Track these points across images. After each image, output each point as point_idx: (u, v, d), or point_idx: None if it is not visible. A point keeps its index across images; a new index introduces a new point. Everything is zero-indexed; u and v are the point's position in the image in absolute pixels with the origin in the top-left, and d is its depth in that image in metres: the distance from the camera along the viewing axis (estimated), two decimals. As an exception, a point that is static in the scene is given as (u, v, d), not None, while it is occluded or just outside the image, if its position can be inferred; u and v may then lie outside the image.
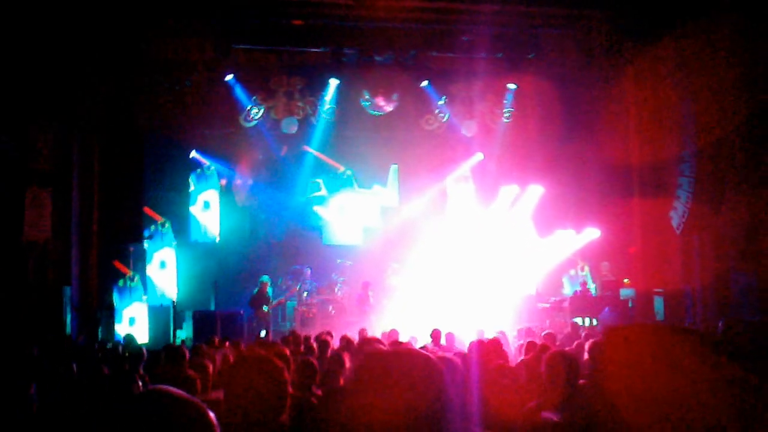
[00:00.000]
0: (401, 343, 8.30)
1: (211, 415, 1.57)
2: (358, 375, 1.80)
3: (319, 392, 5.29)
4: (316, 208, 18.60)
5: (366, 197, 18.85)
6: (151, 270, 16.44)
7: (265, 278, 15.88)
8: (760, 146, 13.87)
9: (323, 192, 18.68)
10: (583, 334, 10.43)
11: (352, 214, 18.73)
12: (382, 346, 6.40)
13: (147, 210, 16.23)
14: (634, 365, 1.68)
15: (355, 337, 8.65)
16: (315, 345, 8.10)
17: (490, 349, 6.87)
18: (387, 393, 1.71)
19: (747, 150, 14.23)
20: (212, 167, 17.76)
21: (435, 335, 10.30)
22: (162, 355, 7.46)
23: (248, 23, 16.51)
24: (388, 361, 1.80)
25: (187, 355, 6.91)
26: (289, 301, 16.55)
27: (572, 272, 17.16)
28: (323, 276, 17.29)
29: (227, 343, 9.35)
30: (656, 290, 15.56)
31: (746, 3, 13.34)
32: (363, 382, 1.76)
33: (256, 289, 15.64)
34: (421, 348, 7.69)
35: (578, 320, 15.04)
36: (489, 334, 10.19)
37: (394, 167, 18.84)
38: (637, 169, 16.64)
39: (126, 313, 14.86)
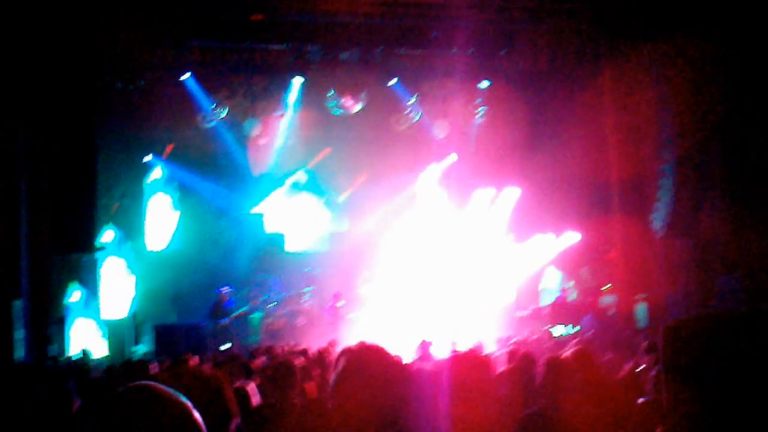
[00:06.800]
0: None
1: (197, 414, 1.64)
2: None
3: None
4: (275, 214, 18.69)
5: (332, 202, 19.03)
6: (103, 282, 16.30)
7: (224, 289, 15.89)
8: (739, 151, 14.37)
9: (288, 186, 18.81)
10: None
11: (315, 219, 18.86)
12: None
13: None
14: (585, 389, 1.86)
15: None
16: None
17: (469, 361, 7.01)
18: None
19: (726, 155, 14.72)
20: (168, 173, 17.71)
21: (424, 346, 10.23)
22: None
23: (205, 18, 16.50)
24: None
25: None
26: (254, 313, 16.55)
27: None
28: (290, 286, 17.27)
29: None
30: (638, 296, 15.92)
31: (725, 10, 13.83)
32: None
33: (214, 301, 15.67)
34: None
35: (559, 328, 15.41)
36: (466, 345, 10.29)
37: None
38: (616, 171, 16.95)
39: (75, 328, 14.72)
